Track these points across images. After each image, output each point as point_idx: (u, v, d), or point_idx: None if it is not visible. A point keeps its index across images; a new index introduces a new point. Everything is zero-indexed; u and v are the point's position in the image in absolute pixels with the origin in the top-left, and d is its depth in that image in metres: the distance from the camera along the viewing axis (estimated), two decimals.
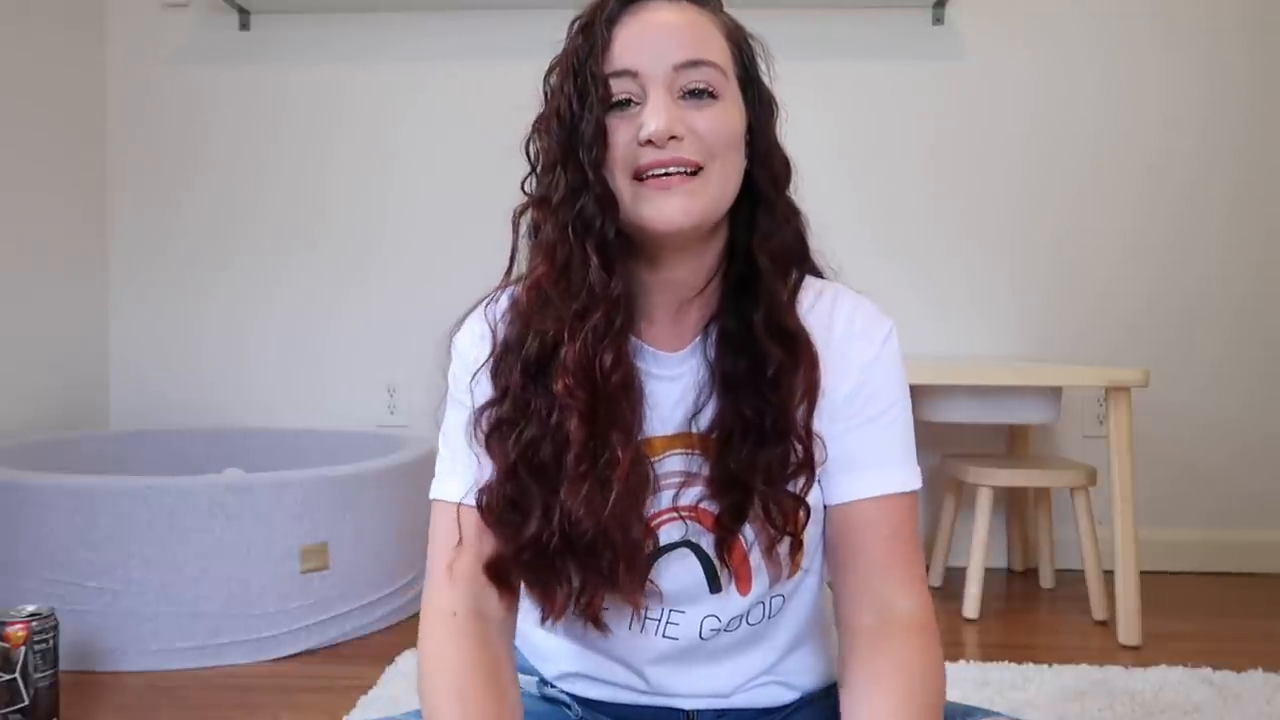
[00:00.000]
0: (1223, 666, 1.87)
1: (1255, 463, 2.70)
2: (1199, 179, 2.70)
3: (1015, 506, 2.68)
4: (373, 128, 2.80)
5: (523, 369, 0.80)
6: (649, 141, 0.76)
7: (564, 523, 0.77)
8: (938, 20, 2.72)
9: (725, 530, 0.81)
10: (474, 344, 0.85)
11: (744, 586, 0.85)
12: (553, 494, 0.78)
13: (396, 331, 2.75)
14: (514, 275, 0.84)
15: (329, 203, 2.82)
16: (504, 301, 0.85)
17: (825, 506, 0.84)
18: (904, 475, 0.83)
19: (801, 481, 0.81)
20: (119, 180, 2.83)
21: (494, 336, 0.83)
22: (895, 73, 2.72)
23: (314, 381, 2.83)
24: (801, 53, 2.72)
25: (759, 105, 0.84)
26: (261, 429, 2.73)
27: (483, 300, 0.87)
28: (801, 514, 0.81)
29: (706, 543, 0.83)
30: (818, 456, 0.81)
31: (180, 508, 1.89)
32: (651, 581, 0.82)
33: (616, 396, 0.78)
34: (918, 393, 2.32)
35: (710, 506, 0.82)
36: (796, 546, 0.82)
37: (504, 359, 0.81)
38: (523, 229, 0.83)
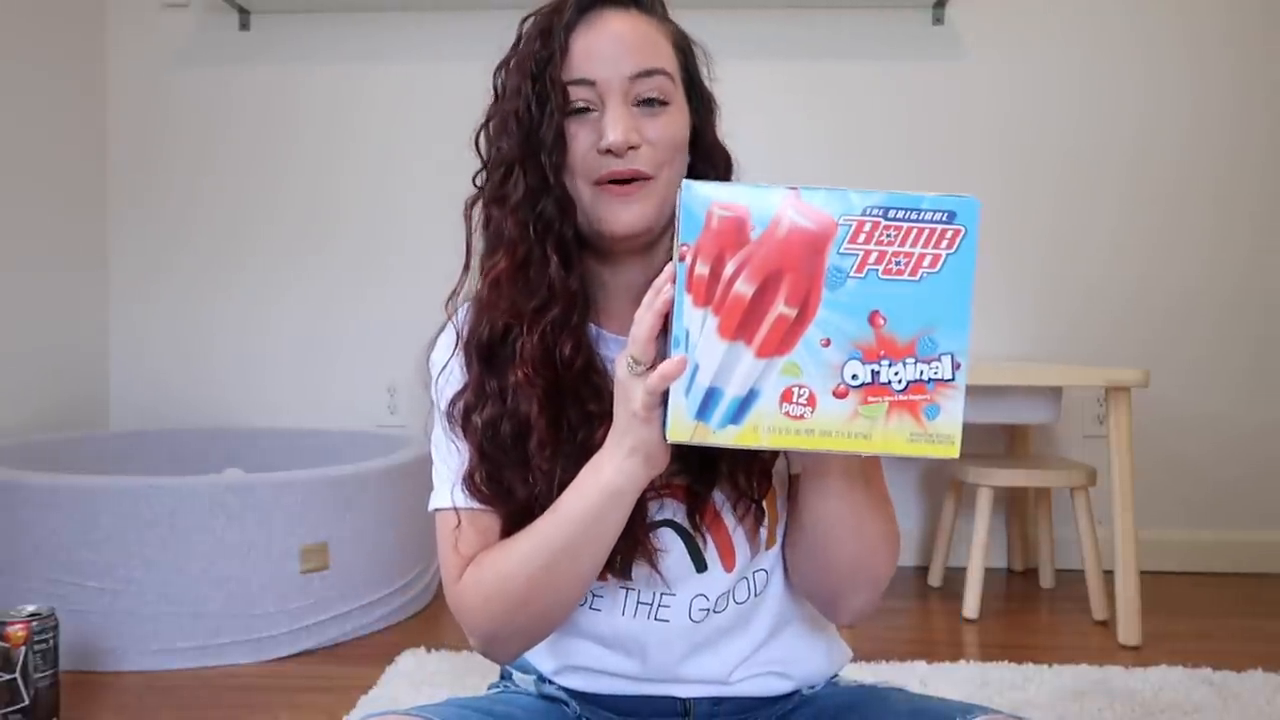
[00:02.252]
0: (1223, 666, 1.87)
1: (1256, 463, 2.70)
2: (1186, 176, 2.70)
3: (1015, 506, 2.68)
4: (374, 127, 2.80)
5: (478, 355, 0.85)
6: (608, 150, 0.80)
7: (551, 493, 0.81)
8: (938, 20, 2.72)
9: (696, 498, 0.85)
10: (446, 352, 0.89)
11: (728, 561, 0.87)
12: (524, 464, 0.82)
13: (396, 331, 2.75)
14: (472, 267, 0.89)
15: (329, 202, 2.82)
16: (464, 308, 0.90)
17: (791, 475, 0.88)
18: None
19: (765, 454, 0.86)
20: (119, 180, 2.84)
21: (459, 338, 0.88)
22: (895, 73, 2.73)
23: (314, 381, 2.83)
24: (801, 53, 2.72)
25: (701, 107, 0.89)
26: (261, 429, 2.73)
27: (449, 316, 0.91)
28: (765, 480, 0.86)
29: (682, 517, 0.86)
30: None
31: (181, 508, 1.89)
32: (654, 548, 0.85)
33: (577, 383, 0.83)
34: None
35: (680, 481, 0.85)
36: (760, 513, 0.86)
37: (467, 351, 0.87)
38: (476, 221, 0.88)
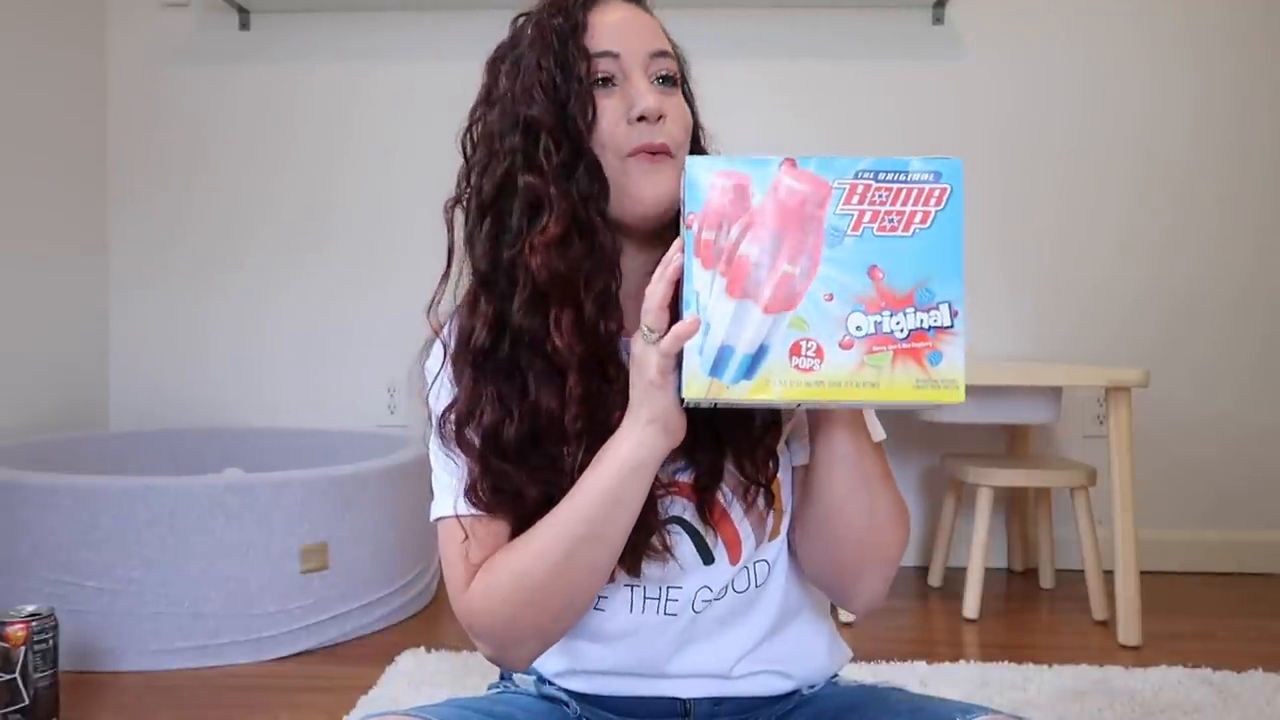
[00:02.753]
0: (1223, 666, 1.87)
1: (1256, 464, 2.70)
2: (1190, 177, 2.70)
3: (1015, 506, 2.68)
4: (374, 127, 2.80)
5: (471, 362, 0.83)
6: (641, 118, 0.80)
7: (572, 479, 0.80)
8: (938, 20, 2.72)
9: (704, 490, 0.84)
10: (438, 361, 0.89)
11: (734, 553, 0.87)
12: (530, 468, 0.81)
13: (397, 331, 2.75)
14: (454, 273, 0.87)
15: (329, 202, 2.82)
16: (452, 320, 0.88)
17: (795, 467, 0.89)
18: (876, 425, 0.88)
19: (769, 437, 0.86)
20: (119, 180, 2.84)
21: (445, 350, 0.87)
22: (895, 73, 2.73)
23: (314, 381, 2.83)
24: (802, 53, 2.72)
25: (692, 107, 0.90)
26: (261, 429, 2.73)
27: (434, 329, 0.89)
28: (771, 464, 0.86)
29: (690, 514, 0.86)
30: (783, 414, 0.87)
31: (180, 508, 1.89)
32: (669, 533, 0.84)
33: (607, 357, 0.81)
34: None
35: (685, 477, 0.85)
36: (769, 497, 0.86)
37: (456, 361, 0.85)
38: (458, 226, 0.86)
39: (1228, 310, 2.70)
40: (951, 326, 0.69)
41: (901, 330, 0.69)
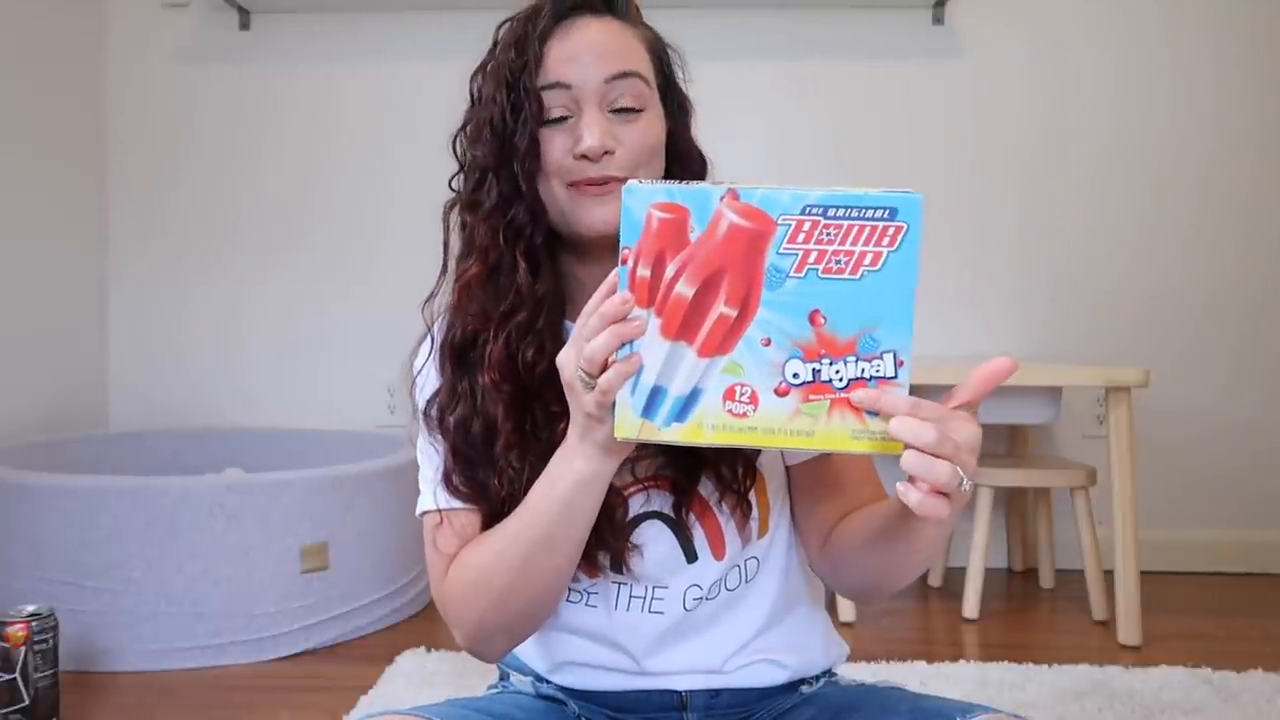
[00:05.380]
0: (1223, 666, 1.87)
1: (1256, 463, 2.70)
2: (1207, 178, 2.70)
3: (1015, 506, 2.68)
4: (373, 127, 2.80)
5: (449, 357, 0.87)
6: (583, 156, 0.81)
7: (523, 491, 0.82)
8: (938, 20, 2.72)
9: (682, 492, 0.86)
10: (424, 358, 0.92)
11: (718, 550, 0.88)
12: (496, 463, 0.84)
13: (396, 331, 2.74)
14: (450, 270, 0.90)
15: (328, 202, 2.82)
16: (443, 316, 0.92)
17: (788, 467, 0.91)
18: None
19: (748, 449, 0.86)
20: (119, 180, 2.83)
21: (435, 341, 0.91)
22: (895, 73, 2.73)
23: (314, 381, 2.83)
24: (802, 53, 2.72)
25: (677, 110, 0.90)
26: (261, 429, 2.73)
27: (427, 322, 0.92)
28: (750, 477, 0.87)
29: (670, 509, 0.87)
30: None
31: (180, 508, 1.89)
32: (632, 543, 0.86)
33: (541, 385, 0.84)
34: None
35: (668, 473, 0.87)
36: (748, 506, 0.87)
37: (441, 352, 0.89)
38: (453, 224, 0.89)
39: (1245, 315, 2.70)
40: (895, 377, 0.66)
41: (841, 380, 0.66)
